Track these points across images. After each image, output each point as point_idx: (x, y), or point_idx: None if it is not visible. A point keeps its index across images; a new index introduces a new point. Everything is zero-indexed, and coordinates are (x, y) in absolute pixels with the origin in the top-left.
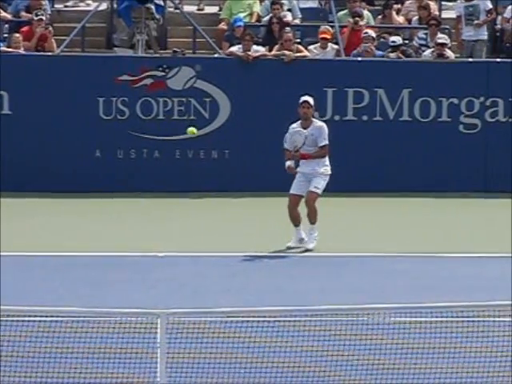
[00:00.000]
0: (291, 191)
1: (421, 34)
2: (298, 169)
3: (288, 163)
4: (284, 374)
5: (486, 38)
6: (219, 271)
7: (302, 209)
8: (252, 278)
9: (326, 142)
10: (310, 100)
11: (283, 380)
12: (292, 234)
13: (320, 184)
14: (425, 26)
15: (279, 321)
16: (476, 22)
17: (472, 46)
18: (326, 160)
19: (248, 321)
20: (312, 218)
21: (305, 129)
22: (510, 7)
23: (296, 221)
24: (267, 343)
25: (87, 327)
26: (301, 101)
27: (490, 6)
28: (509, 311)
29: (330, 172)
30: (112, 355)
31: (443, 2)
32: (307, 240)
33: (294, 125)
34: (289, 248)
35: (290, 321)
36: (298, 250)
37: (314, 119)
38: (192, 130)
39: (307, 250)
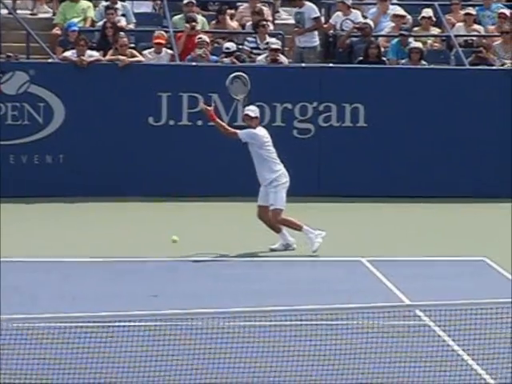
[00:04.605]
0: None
1: (251, 37)
2: None
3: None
4: (119, 379)
5: (316, 44)
6: (54, 277)
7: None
8: (87, 284)
9: (239, 134)
10: (251, 113)
11: None
12: None
13: (272, 199)
14: (255, 30)
15: (114, 326)
16: (296, 29)
17: (301, 53)
18: (269, 173)
19: (82, 326)
20: (273, 229)
21: None
22: (336, 13)
23: (274, 230)
24: (101, 347)
25: None
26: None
27: (316, 14)
28: (354, 313)
29: (276, 179)
30: None
31: (281, 8)
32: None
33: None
34: (272, 250)
35: (124, 326)
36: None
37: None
38: (174, 238)
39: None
